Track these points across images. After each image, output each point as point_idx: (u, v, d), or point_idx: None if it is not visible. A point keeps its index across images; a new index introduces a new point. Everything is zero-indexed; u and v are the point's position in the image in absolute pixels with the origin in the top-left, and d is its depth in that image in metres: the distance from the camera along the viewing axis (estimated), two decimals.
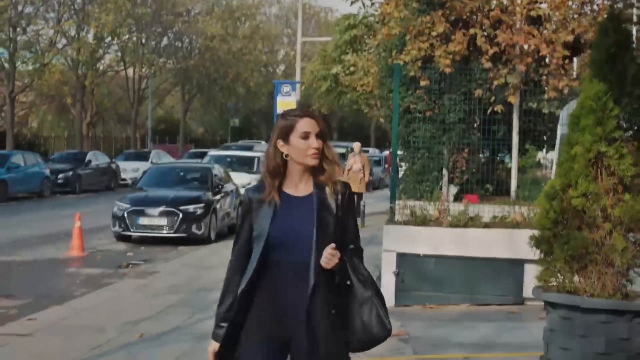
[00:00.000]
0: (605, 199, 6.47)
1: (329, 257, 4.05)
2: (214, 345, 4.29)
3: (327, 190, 4.19)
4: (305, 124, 4.19)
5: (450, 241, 11.32)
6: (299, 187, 4.24)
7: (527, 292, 10.53)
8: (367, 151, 46.80)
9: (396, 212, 12.12)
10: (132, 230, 19.39)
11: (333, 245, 4.06)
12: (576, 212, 6.55)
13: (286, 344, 4.18)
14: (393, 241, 11.47)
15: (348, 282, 4.22)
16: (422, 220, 11.65)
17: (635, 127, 6.68)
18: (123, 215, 19.41)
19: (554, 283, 6.75)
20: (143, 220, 19.36)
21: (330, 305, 4.13)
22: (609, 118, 6.46)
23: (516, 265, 11.05)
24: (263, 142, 42.45)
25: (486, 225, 11.43)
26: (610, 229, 6.48)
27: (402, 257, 11.39)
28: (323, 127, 4.22)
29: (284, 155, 4.20)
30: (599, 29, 6.90)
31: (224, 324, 4.26)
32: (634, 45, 6.75)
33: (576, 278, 6.69)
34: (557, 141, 15.23)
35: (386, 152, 44.23)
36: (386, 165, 40.75)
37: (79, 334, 9.91)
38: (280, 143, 4.21)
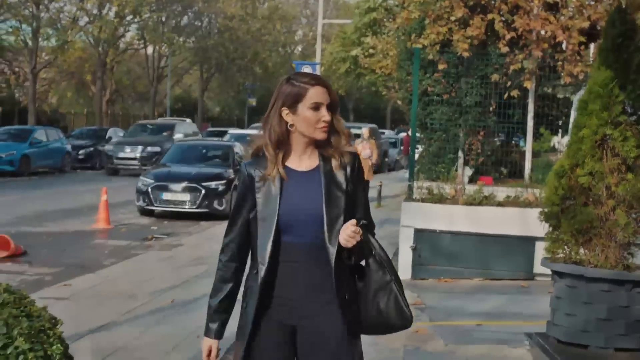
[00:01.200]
0: (609, 178, 7.01)
1: (352, 234, 3.60)
2: (210, 342, 3.92)
3: (334, 162, 3.79)
4: (316, 94, 3.75)
5: (465, 218, 11.86)
6: (303, 160, 3.82)
7: (538, 268, 11.09)
8: (383, 133, 47.32)
9: (414, 190, 12.66)
10: (155, 205, 19.97)
11: (354, 221, 3.63)
12: (583, 189, 7.10)
13: (295, 331, 3.80)
14: (411, 217, 12.03)
15: (363, 263, 3.83)
16: (439, 198, 12.20)
17: (639, 112, 7.20)
18: (147, 190, 19.98)
19: (561, 254, 7.31)
20: (166, 196, 19.93)
21: (344, 289, 3.73)
22: (615, 103, 7.00)
23: (528, 242, 11.58)
24: (188, 120, 42.32)
25: (500, 204, 11.97)
26: (613, 206, 7.03)
27: (419, 233, 11.95)
28: (334, 98, 3.81)
29: (288, 126, 3.77)
30: (607, 20, 7.43)
31: (221, 317, 3.92)
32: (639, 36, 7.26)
33: (581, 250, 7.24)
34: (570, 126, 15.69)
35: (402, 134, 44.70)
36: (402, 147, 41.23)
37: (112, 299, 10.49)
38: (285, 111, 3.76)
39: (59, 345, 3.96)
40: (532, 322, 8.58)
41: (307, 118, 3.73)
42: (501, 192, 12.57)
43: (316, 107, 3.73)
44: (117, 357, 7.73)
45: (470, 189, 12.54)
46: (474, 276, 11.76)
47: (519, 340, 7.95)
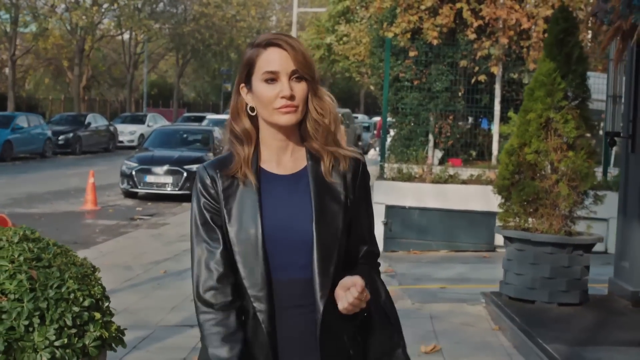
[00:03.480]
0: (553, 155, 8.10)
1: (356, 303, 2.55)
2: None
3: (325, 164, 2.73)
4: (269, 59, 2.66)
5: (432, 195, 12.93)
6: (283, 160, 2.75)
7: (499, 240, 12.17)
8: (357, 117, 48.38)
9: (385, 170, 13.72)
10: (139, 187, 20.90)
11: (360, 282, 2.54)
12: (530, 165, 8.18)
13: None
14: (382, 195, 13.07)
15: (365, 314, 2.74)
16: (408, 177, 13.26)
17: (579, 99, 8.28)
18: (131, 173, 20.90)
19: (512, 223, 8.41)
20: (150, 178, 20.85)
21: (334, 353, 2.70)
22: (557, 91, 8.08)
23: (489, 217, 12.64)
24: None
25: (464, 182, 13.04)
26: (556, 179, 8.12)
27: (390, 209, 13.00)
28: (301, 62, 2.66)
29: (247, 109, 2.74)
30: (551, 18, 8.49)
31: None
32: (579, 32, 8.34)
33: (529, 219, 8.34)
34: None
35: (376, 119, 45.79)
36: (375, 132, 42.31)
37: (110, 271, 11.44)
38: (244, 89, 2.75)
39: (99, 287, 4.97)
40: (489, 285, 9.63)
41: (260, 95, 2.67)
42: (469, 173, 13.62)
43: (271, 78, 2.64)
44: (123, 317, 8.70)
45: (439, 169, 13.61)
46: (441, 248, 12.83)
47: (476, 299, 9.04)
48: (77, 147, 37.09)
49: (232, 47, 57.99)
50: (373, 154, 32.80)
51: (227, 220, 2.70)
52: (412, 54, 18.60)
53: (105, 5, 46.92)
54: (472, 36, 18.32)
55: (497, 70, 18.22)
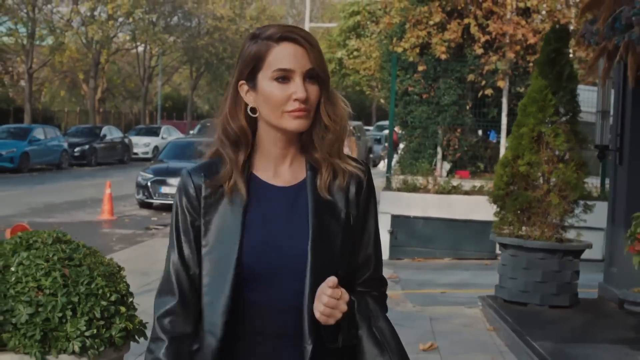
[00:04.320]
0: (544, 167, 8.64)
1: (331, 303, 2.27)
2: None
3: (322, 177, 2.43)
4: (284, 54, 2.35)
5: (436, 205, 13.48)
6: (280, 170, 2.46)
7: (500, 248, 12.71)
8: (369, 130, 48.94)
9: (392, 181, 14.28)
10: (154, 198, 21.48)
11: (334, 280, 2.27)
12: (523, 176, 8.73)
13: None
14: (388, 205, 13.62)
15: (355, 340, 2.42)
16: (413, 188, 13.81)
17: (570, 114, 8.82)
18: (146, 184, 21.51)
19: (506, 230, 8.95)
20: (164, 189, 21.42)
21: None
22: (548, 107, 8.63)
23: (491, 226, 13.18)
24: None
25: (466, 193, 13.58)
26: (548, 190, 8.67)
27: (395, 218, 13.56)
28: (318, 61, 2.38)
29: (248, 110, 2.42)
30: (544, 38, 9.05)
31: None
32: (569, 52, 8.89)
33: (523, 226, 8.88)
34: None
35: (386, 131, 46.35)
36: (386, 144, 42.86)
37: (127, 276, 11.89)
38: (244, 87, 2.42)
39: (124, 284, 5.54)
40: (488, 290, 10.17)
41: (269, 95, 2.34)
42: (477, 184, 14.15)
43: (284, 76, 2.33)
44: (146, 316, 9.30)
45: (443, 181, 14.17)
46: (444, 256, 13.37)
47: (475, 303, 9.58)
48: (92, 159, 37.67)
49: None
50: (383, 166, 33.41)
51: (202, 234, 2.38)
52: (420, 68, 19.21)
53: (120, 19, 47.70)
54: (480, 51, 18.91)
55: (503, 84, 18.75)
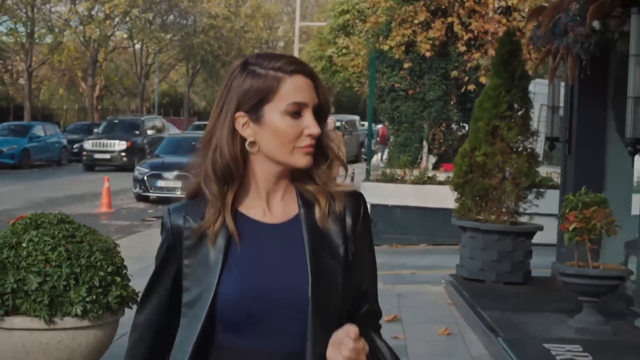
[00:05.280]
0: (498, 157, 9.56)
1: (353, 357, 2.12)
2: None
3: (321, 208, 2.27)
4: (297, 88, 2.22)
5: (412, 195, 14.42)
6: (271, 205, 2.30)
7: None
8: (363, 125, 49.79)
9: (371, 172, 15.22)
10: (150, 191, 22.40)
11: (355, 331, 2.11)
12: (479, 166, 9.65)
13: None
14: (368, 195, 14.47)
15: None
16: (390, 179, 14.75)
17: (522, 109, 9.75)
18: (143, 178, 22.42)
19: (466, 215, 9.88)
20: (160, 183, 22.35)
21: None
22: (502, 103, 9.55)
23: None
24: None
25: (440, 183, 14.51)
26: (502, 178, 9.59)
27: (374, 207, 14.49)
28: (325, 95, 2.29)
29: (246, 145, 2.25)
30: (499, 41, 9.98)
31: None
32: (522, 53, 9.82)
33: (481, 211, 9.81)
34: None
35: (379, 126, 47.26)
36: (377, 139, 43.76)
37: (125, 262, 12.96)
38: (242, 119, 2.24)
39: (119, 257, 6.48)
40: (453, 270, 11.09)
41: (281, 130, 2.21)
42: (446, 175, 15.05)
43: (296, 111, 2.22)
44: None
45: (417, 172, 15.09)
46: (420, 242, 14.31)
47: (439, 281, 10.51)
48: None
49: (240, 58, 59.55)
50: (376, 160, 34.35)
51: (183, 277, 2.27)
52: (406, 65, 20.10)
53: (117, 19, 48.61)
54: (463, 48, 19.82)
55: (485, 79, 19.57)
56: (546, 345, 6.95)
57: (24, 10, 43.87)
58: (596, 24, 7.56)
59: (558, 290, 9.10)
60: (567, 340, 7.14)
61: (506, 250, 9.53)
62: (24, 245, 6.13)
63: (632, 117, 7.25)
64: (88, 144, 33.19)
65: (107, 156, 32.57)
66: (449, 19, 20.12)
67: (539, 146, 11.62)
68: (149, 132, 34.42)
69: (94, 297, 6.12)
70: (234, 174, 2.24)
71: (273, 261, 2.23)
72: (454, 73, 19.70)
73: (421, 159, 20.75)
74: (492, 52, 19.57)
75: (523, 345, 7.02)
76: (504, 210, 9.64)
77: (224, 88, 2.28)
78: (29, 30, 44.17)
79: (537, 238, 10.52)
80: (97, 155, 32.75)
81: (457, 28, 20.07)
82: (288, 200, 2.30)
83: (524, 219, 9.87)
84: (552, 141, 10.09)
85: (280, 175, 2.28)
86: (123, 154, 32.46)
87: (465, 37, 19.99)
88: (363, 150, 42.40)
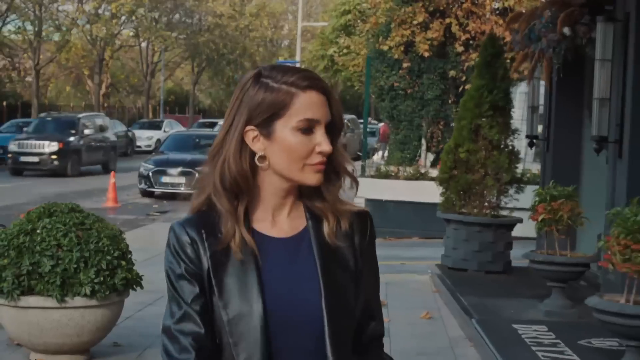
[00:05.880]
0: (481, 154, 10.18)
1: None
2: None
3: (330, 225, 2.25)
4: (310, 103, 2.18)
5: (405, 190, 15.05)
6: (279, 219, 2.28)
7: None
8: (375, 123, 50.51)
9: (366, 169, 15.85)
10: (155, 187, 23.03)
11: None
12: (463, 162, 10.27)
13: None
14: (363, 190, 15.18)
15: None
16: (385, 175, 15.38)
17: (506, 108, 10.37)
18: (148, 174, 23.05)
19: (450, 208, 10.51)
20: (165, 179, 22.96)
21: None
22: (484, 103, 10.16)
23: None
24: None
25: (432, 179, 15.11)
26: (484, 173, 10.20)
27: (369, 202, 15.12)
28: (338, 111, 2.26)
29: (256, 159, 2.21)
30: (482, 44, 10.60)
31: None
32: (504, 56, 10.44)
33: (464, 205, 10.43)
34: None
35: (381, 124, 47.91)
36: (379, 137, 44.37)
37: (132, 252, 13.59)
38: (252, 133, 2.21)
39: (124, 243, 7.12)
40: (439, 261, 11.71)
41: (292, 147, 2.18)
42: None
43: (308, 127, 2.18)
44: (146, 282, 10.86)
45: (410, 169, 15.72)
46: (413, 235, 14.94)
47: (426, 271, 11.13)
48: None
49: (245, 56, 60.21)
50: (377, 158, 34.98)
51: (216, 294, 2.16)
52: (405, 64, 20.71)
53: (123, 17, 49.30)
54: (460, 49, 20.42)
55: None
56: (515, 326, 7.59)
57: (32, 9, 44.55)
58: (566, 31, 8.19)
59: (534, 278, 9.70)
60: (534, 322, 7.78)
61: (487, 241, 10.14)
62: (38, 231, 6.78)
63: (597, 116, 7.87)
64: (13, 145, 28.84)
65: (36, 159, 28.42)
66: (447, 20, 20.74)
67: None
68: (87, 131, 30.05)
69: (102, 279, 6.76)
70: (242, 188, 2.19)
71: (283, 276, 2.19)
72: (452, 72, 20.33)
73: (419, 156, 21.40)
74: None
75: (493, 326, 7.65)
76: (486, 204, 10.26)
77: (236, 99, 2.23)
78: (36, 29, 44.84)
79: (522, 232, 11.17)
80: (23, 158, 28.63)
81: (455, 29, 20.67)
82: (295, 215, 2.26)
83: (505, 213, 10.49)
84: (531, 139, 10.71)
85: (289, 191, 2.24)
86: (54, 156, 28.32)
87: (463, 38, 20.60)
88: None
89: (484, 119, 10.10)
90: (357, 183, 2.31)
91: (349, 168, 2.28)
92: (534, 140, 10.72)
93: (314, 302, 2.16)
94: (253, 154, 2.19)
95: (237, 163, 2.17)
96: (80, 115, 31.51)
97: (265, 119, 2.17)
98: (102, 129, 31.23)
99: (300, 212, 2.26)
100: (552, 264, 7.84)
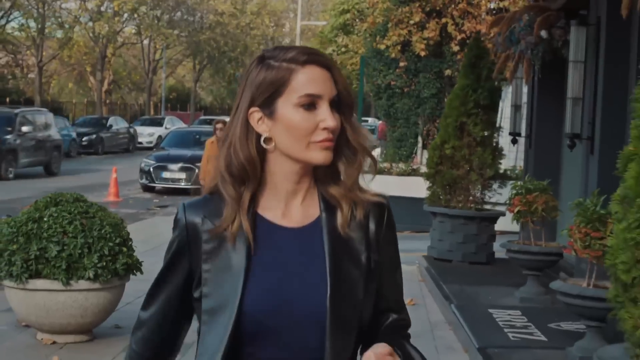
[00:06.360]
0: (465, 150, 10.68)
1: None
2: None
3: (344, 214, 2.14)
4: (310, 78, 2.09)
5: (397, 185, 15.54)
6: (290, 207, 2.18)
7: None
8: (367, 120, 51.00)
9: None
10: (156, 182, 23.51)
11: (389, 349, 2.02)
12: (448, 157, 10.77)
13: None
14: None
15: None
16: (378, 171, 15.88)
17: (487, 107, 10.87)
18: (149, 170, 23.56)
19: (436, 201, 11.01)
20: (166, 174, 23.47)
21: None
22: (469, 101, 10.66)
23: None
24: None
25: (423, 175, 15.63)
26: (469, 169, 10.70)
27: None
28: (344, 86, 2.15)
29: (261, 141, 2.13)
30: (467, 46, 11.09)
31: None
32: (488, 57, 10.94)
33: (449, 198, 10.93)
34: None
35: (379, 122, 48.46)
36: (377, 134, 44.90)
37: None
38: (256, 114, 2.13)
39: (125, 231, 7.63)
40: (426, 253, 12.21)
41: (294, 124, 2.09)
42: None
43: (310, 102, 2.08)
44: (146, 271, 11.35)
45: (403, 165, 16.21)
46: (405, 229, 15.43)
47: (413, 262, 11.63)
48: (99, 148, 39.33)
49: (246, 54, 60.71)
50: (377, 155, 35.53)
51: (202, 282, 2.13)
52: (402, 63, 21.19)
53: (126, 15, 49.83)
54: (456, 48, 20.89)
55: None
56: (490, 310, 8.11)
57: (35, 7, 45.07)
58: (543, 33, 8.69)
59: (515, 268, 10.21)
60: (509, 307, 8.30)
61: (471, 234, 10.65)
62: (45, 219, 7.30)
63: (570, 115, 8.37)
64: None
65: None
66: (443, 20, 21.19)
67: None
68: (25, 128, 26.56)
69: (104, 263, 7.27)
70: (249, 174, 2.10)
71: (290, 267, 2.10)
72: (448, 72, 20.81)
73: (416, 153, 21.92)
74: None
75: (470, 311, 8.16)
76: (470, 197, 10.76)
77: (242, 84, 2.16)
78: (39, 26, 45.36)
79: (511, 227, 11.64)
80: None
81: (450, 29, 21.13)
82: (309, 203, 2.16)
83: (489, 207, 11.00)
84: (514, 136, 11.22)
85: (301, 175, 2.14)
86: None
87: (459, 38, 21.06)
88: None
89: (468, 117, 10.59)
90: (375, 161, 2.24)
91: (366, 144, 2.17)
92: (516, 138, 11.22)
93: (319, 296, 2.07)
94: (259, 137, 2.11)
95: (242, 147, 2.10)
96: (17, 111, 27.80)
97: (267, 98, 2.10)
98: (45, 126, 28.17)
99: (315, 200, 2.16)
100: (526, 253, 8.35)
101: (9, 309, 8.09)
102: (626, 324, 3.64)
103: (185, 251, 2.17)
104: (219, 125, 11.94)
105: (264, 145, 2.11)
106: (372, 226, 2.17)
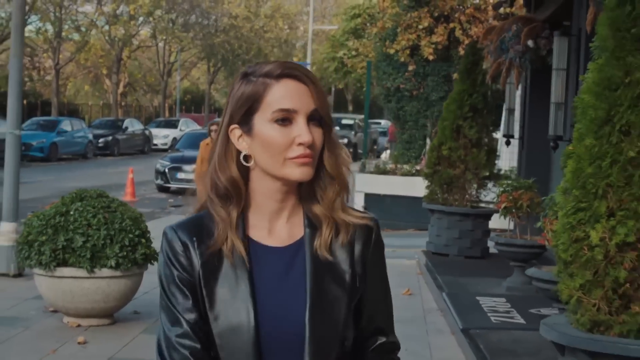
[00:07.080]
0: (461, 151, 11.38)
1: None
2: None
3: (323, 236, 2.14)
4: (284, 93, 2.07)
5: (402, 185, 16.27)
6: (276, 227, 2.17)
7: None
8: (379, 123, 51.67)
9: (365, 165, 17.08)
10: (171, 183, 24.17)
11: None
12: (445, 158, 11.47)
13: None
14: (362, 185, 16.43)
15: None
16: (383, 171, 16.61)
17: (485, 109, 11.56)
18: (164, 170, 24.26)
19: (434, 199, 11.72)
20: (180, 175, 24.09)
21: None
22: (465, 105, 11.36)
23: None
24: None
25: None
26: (464, 169, 11.41)
27: (368, 196, 16.37)
28: (322, 101, 2.10)
29: (241, 158, 2.12)
30: (464, 53, 11.79)
31: None
32: (483, 63, 11.65)
33: (447, 196, 11.64)
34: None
35: (389, 124, 49.13)
36: (388, 136, 45.56)
37: None
38: (237, 131, 2.12)
39: (144, 224, 8.37)
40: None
41: (269, 140, 2.07)
42: None
43: (284, 117, 2.06)
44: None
45: (407, 166, 16.93)
46: (408, 227, 16.15)
47: (413, 257, 12.33)
48: (115, 149, 39.94)
49: (260, 57, 61.40)
50: (386, 156, 36.19)
51: (207, 306, 2.08)
52: (411, 67, 21.86)
53: (141, 19, 50.69)
54: (463, 52, 21.49)
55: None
56: (477, 298, 8.83)
57: (52, 11, 45.95)
58: (530, 43, 9.40)
59: (506, 262, 10.90)
60: (496, 295, 9.02)
61: (467, 229, 11.36)
62: (71, 213, 8.05)
63: (553, 118, 9.07)
64: None
65: None
66: (451, 25, 21.83)
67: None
68: None
69: (125, 253, 8.01)
70: (233, 193, 2.09)
71: (276, 288, 2.10)
72: (456, 75, 21.36)
73: (424, 154, 22.58)
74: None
75: (460, 298, 8.87)
76: (466, 196, 11.47)
77: (227, 100, 2.14)
78: (57, 30, 46.23)
79: (507, 224, 12.30)
80: None
81: (458, 33, 21.78)
82: (294, 222, 2.14)
83: (483, 205, 11.70)
84: (507, 138, 11.93)
85: (284, 193, 2.11)
86: None
87: (466, 42, 21.65)
88: (375, 147, 44.25)
89: (464, 120, 11.29)
90: (347, 190, 2.16)
91: (341, 170, 2.12)
92: (510, 140, 11.93)
93: (299, 316, 2.07)
94: (238, 153, 2.10)
95: (222, 166, 2.09)
96: None
97: (244, 115, 2.08)
98: None
99: (299, 220, 2.14)
100: (512, 246, 9.07)
101: (37, 297, 8.85)
102: (563, 294, 4.33)
103: (185, 275, 2.11)
104: (214, 127, 12.60)
105: (244, 163, 2.09)
106: (357, 247, 2.16)
